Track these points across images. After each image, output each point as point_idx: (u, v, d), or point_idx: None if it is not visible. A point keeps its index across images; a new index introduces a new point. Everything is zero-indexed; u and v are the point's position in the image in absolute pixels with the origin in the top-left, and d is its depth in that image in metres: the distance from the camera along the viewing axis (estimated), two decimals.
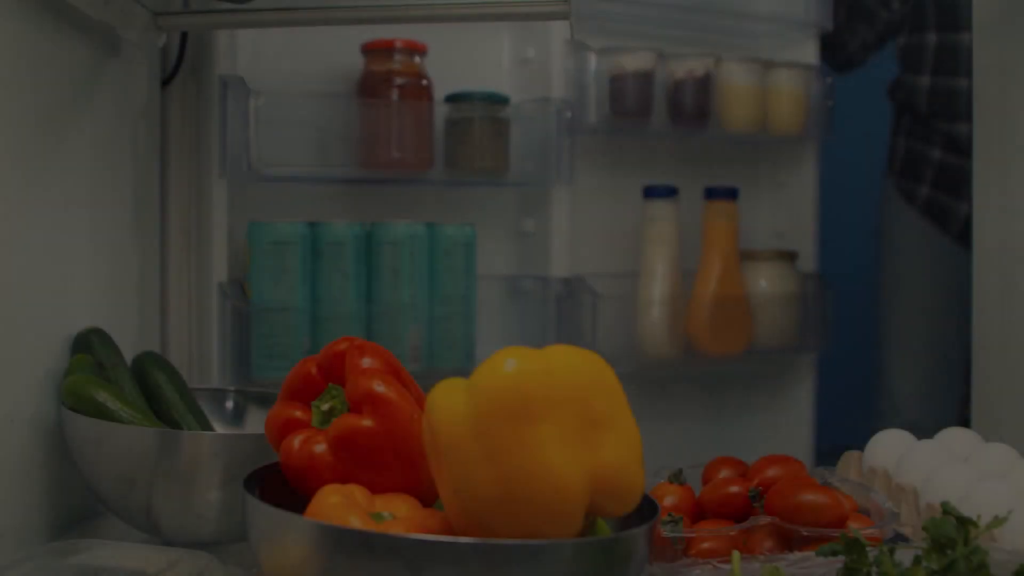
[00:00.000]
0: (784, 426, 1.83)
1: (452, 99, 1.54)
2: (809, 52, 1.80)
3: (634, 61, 1.60)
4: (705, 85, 1.64)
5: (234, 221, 1.45)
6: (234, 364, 1.41)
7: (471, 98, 1.52)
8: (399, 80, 1.48)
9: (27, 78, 1.03)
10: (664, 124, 1.64)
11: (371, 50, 1.52)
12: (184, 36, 1.38)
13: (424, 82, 1.51)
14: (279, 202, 1.56)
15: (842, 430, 1.54)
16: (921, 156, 2.06)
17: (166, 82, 1.39)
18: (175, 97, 1.42)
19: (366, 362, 0.83)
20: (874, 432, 1.13)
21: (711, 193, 1.69)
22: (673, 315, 1.62)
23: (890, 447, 1.14)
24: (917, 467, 1.07)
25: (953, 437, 1.13)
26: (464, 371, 1.48)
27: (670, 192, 1.65)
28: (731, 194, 1.68)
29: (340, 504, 0.75)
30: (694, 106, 1.64)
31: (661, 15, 1.65)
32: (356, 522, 0.73)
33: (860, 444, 1.13)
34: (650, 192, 1.66)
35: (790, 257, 1.75)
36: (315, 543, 0.71)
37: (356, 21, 1.26)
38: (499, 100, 1.53)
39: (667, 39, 1.68)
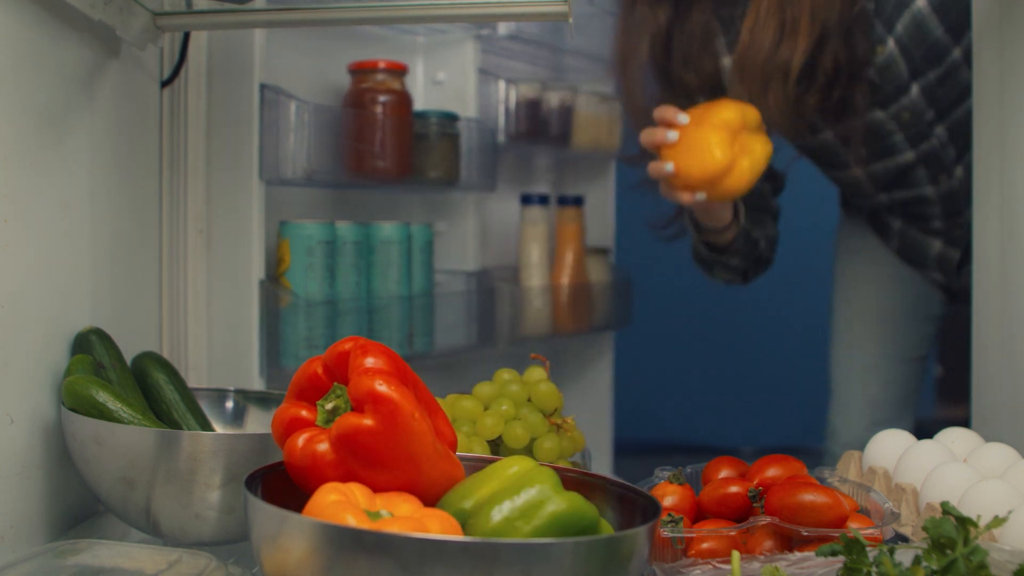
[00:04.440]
0: (592, 392, 2.22)
1: (416, 116, 1.71)
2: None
3: (528, 90, 1.94)
4: (569, 112, 2.03)
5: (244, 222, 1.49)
6: (271, 358, 1.48)
7: (428, 116, 1.72)
8: (383, 97, 1.64)
9: (27, 78, 1.03)
10: (543, 142, 2.01)
11: (357, 70, 1.66)
12: (186, 36, 1.37)
13: (405, 98, 1.68)
14: (280, 204, 1.58)
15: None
16: None
17: (166, 82, 1.39)
18: (191, 99, 1.42)
19: (369, 362, 0.83)
20: None
21: (562, 200, 2.07)
22: (547, 300, 2.03)
23: (890, 447, 1.14)
24: (917, 467, 1.07)
25: (953, 437, 1.13)
26: (430, 354, 1.68)
27: (543, 200, 2.01)
28: (578, 201, 2.07)
29: (337, 502, 0.75)
30: (559, 128, 2.02)
31: (541, 55, 2.08)
32: (352, 520, 0.73)
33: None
34: (526, 199, 2.00)
35: (604, 252, 2.18)
36: (311, 540, 0.71)
37: (354, 21, 1.26)
38: (452, 117, 1.75)
39: (544, 74, 2.10)
